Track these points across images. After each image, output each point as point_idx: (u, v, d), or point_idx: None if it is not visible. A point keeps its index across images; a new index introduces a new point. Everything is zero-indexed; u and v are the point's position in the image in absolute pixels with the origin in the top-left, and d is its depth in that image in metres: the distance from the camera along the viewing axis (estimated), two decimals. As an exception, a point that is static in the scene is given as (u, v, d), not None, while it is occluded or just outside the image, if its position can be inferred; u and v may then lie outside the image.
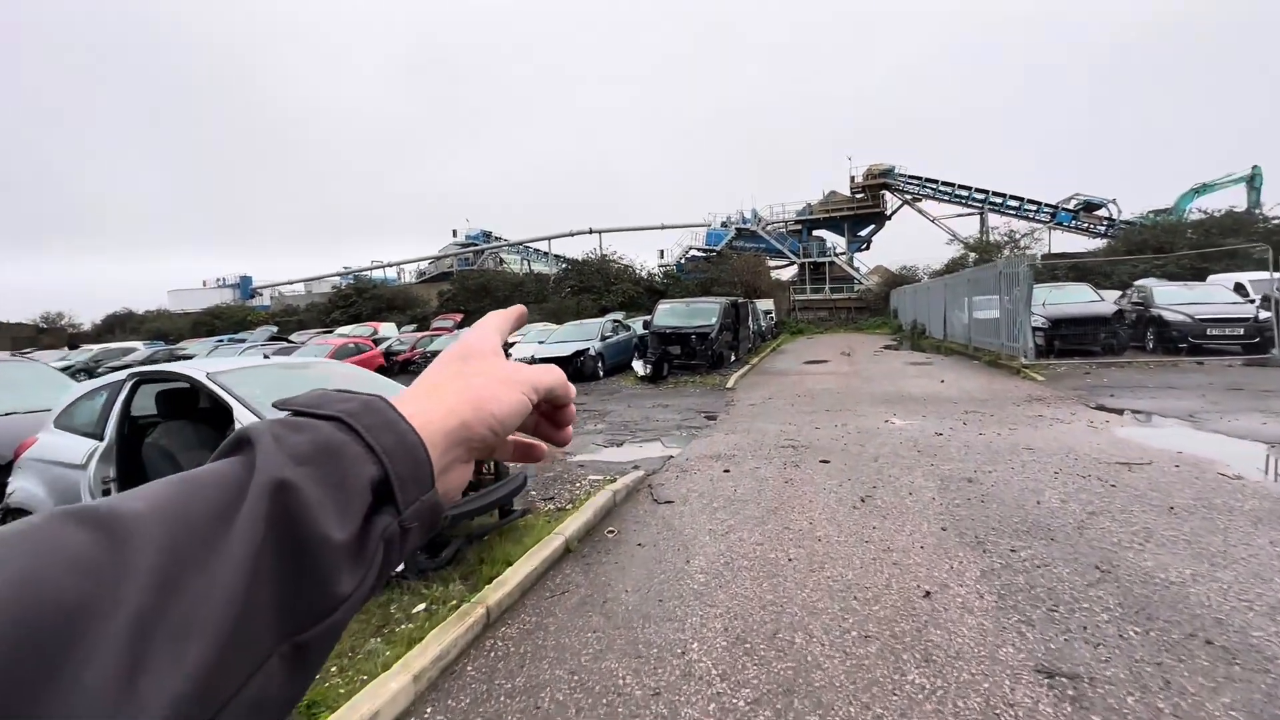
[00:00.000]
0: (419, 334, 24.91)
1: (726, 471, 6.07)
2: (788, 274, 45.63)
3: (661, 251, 46.87)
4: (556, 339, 16.34)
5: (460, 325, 30.61)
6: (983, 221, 38.43)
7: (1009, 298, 13.12)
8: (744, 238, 44.09)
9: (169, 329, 47.06)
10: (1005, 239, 34.08)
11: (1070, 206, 37.34)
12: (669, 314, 16.01)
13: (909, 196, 40.74)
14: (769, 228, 44.64)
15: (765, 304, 30.99)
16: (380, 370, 20.01)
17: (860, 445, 6.84)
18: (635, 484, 5.73)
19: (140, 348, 31.62)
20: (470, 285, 41.81)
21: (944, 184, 39.36)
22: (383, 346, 22.20)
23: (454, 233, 58.08)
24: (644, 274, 39.93)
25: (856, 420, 8.37)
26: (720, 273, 36.44)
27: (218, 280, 66.06)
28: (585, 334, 16.10)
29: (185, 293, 62.70)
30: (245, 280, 66.31)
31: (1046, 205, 37.79)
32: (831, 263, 42.67)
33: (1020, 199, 38.13)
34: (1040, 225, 36.82)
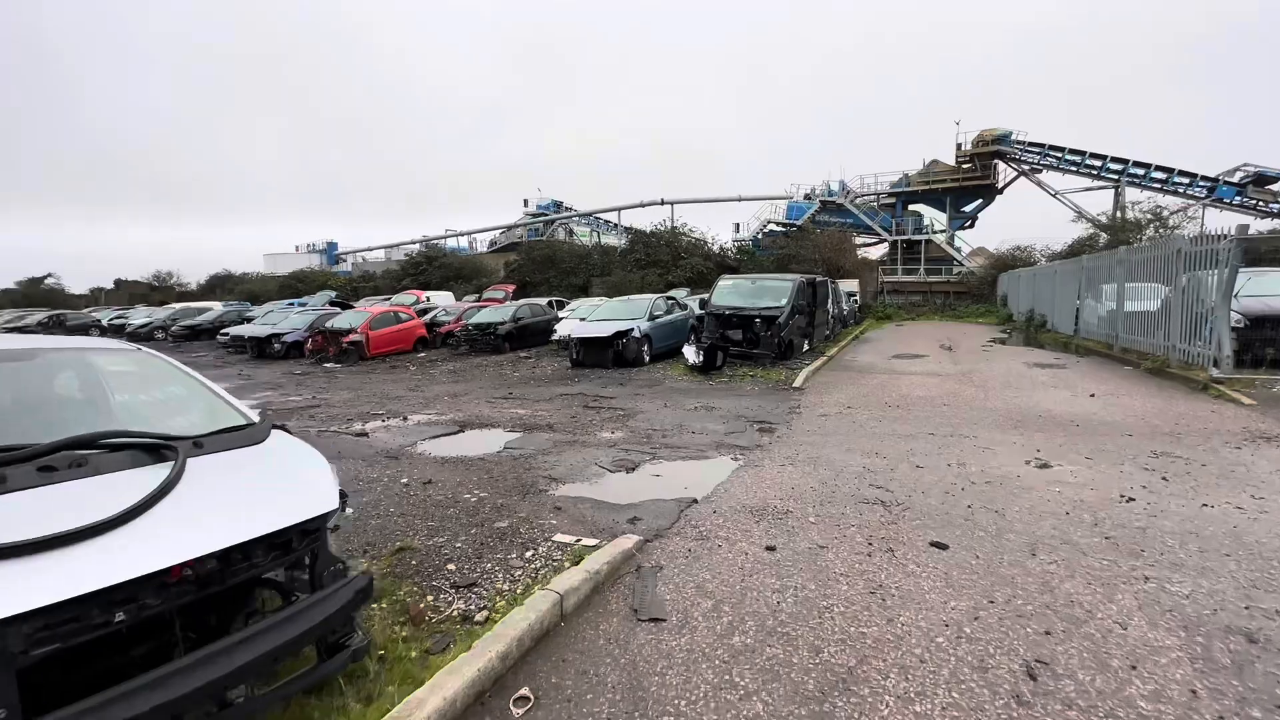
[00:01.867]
0: (466, 305, 23.60)
1: (770, 550, 3.75)
2: (876, 252, 41.36)
3: (737, 225, 43.82)
4: (600, 316, 14.26)
5: (515, 296, 29.23)
6: (1118, 196, 32.71)
7: (1187, 284, 9.74)
8: (829, 211, 40.15)
9: (259, 290, 48.97)
10: (1148, 216, 28.62)
11: (1235, 179, 31.00)
12: (731, 292, 13.51)
13: (1026, 167, 35.35)
14: (858, 201, 40.40)
15: (849, 285, 27.60)
16: (420, 341, 18.77)
17: (995, 511, 4.30)
18: (616, 564, 3.53)
19: (217, 307, 32.45)
20: (536, 256, 40.62)
21: (1071, 152, 33.77)
22: (428, 316, 20.98)
23: (525, 202, 57.19)
24: (716, 248, 37.12)
25: (978, 455, 5.75)
26: (800, 249, 33.08)
27: (308, 245, 68.99)
28: (632, 312, 13.91)
29: (278, 256, 65.72)
30: (331, 246, 68.87)
31: (1203, 178, 31.61)
32: (928, 241, 38.09)
33: (1169, 170, 32.11)
34: (1194, 201, 30.80)
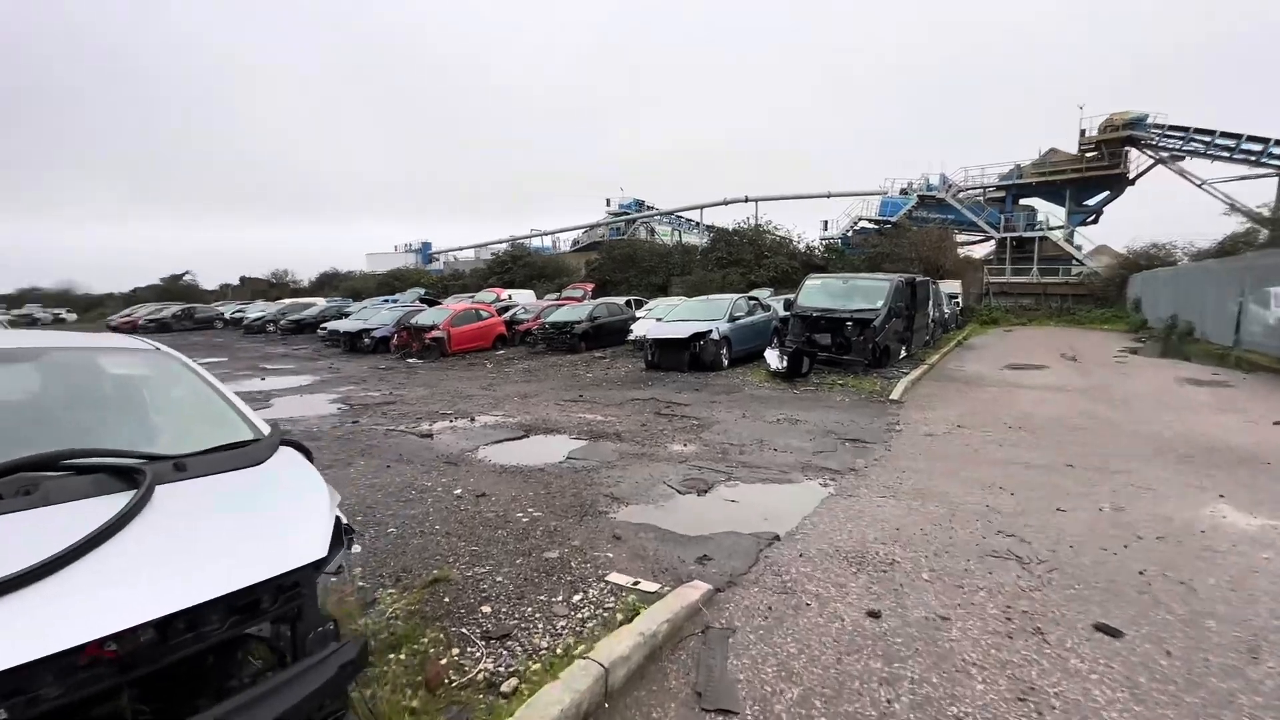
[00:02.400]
0: (544, 303, 23.68)
1: (874, 618, 2.98)
2: (980, 251, 38.10)
3: (825, 223, 41.74)
4: (677, 316, 13.63)
5: (595, 295, 29.16)
6: (1285, 185, 28.12)
7: None
8: (927, 207, 37.39)
9: (361, 287, 52.17)
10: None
11: None
12: (819, 292, 12.47)
13: (1165, 154, 31.20)
14: (960, 195, 37.34)
15: (950, 286, 25.38)
16: (499, 339, 18.91)
17: (1180, 583, 3.29)
18: (678, 623, 2.90)
19: (321, 303, 34.71)
20: (616, 255, 40.59)
21: (1223, 135, 29.39)
22: (508, 314, 21.18)
23: (607, 202, 57.46)
24: (802, 247, 35.50)
25: (1138, 497, 4.62)
26: (895, 247, 30.95)
27: (405, 245, 73.13)
28: (711, 312, 13.17)
29: (379, 255, 69.97)
30: (425, 246, 72.59)
31: (1399, 161, 26.56)
32: (1042, 238, 34.53)
33: (1352, 153, 27.23)
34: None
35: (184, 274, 65.74)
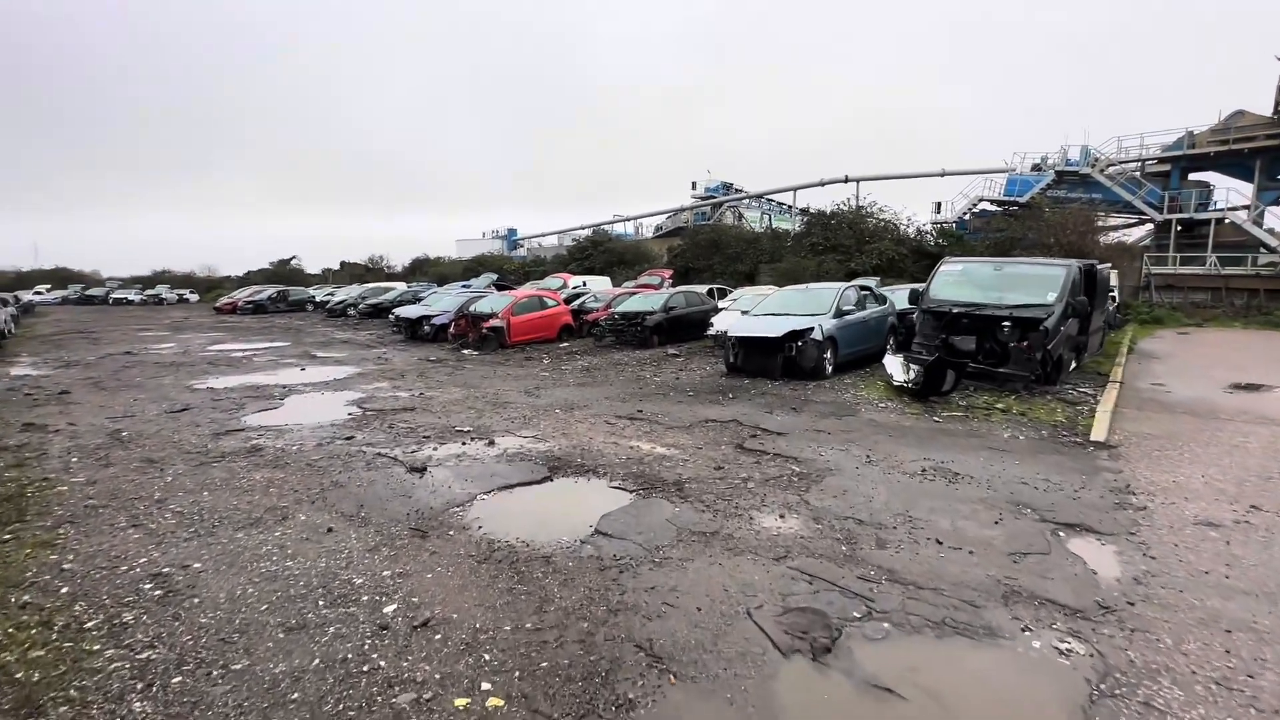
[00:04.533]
0: (617, 291, 21.64)
1: None
2: (1132, 235, 32.29)
3: (938, 204, 37.03)
4: (768, 309, 11.05)
5: (674, 282, 26.79)
6: None
7: None
8: (1067, 185, 31.96)
9: (448, 273, 52.78)
10: None
11: None
12: (960, 281, 9.49)
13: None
14: (1110, 170, 31.63)
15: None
16: (565, 329, 17.06)
17: None
18: None
19: (400, 288, 34.67)
20: (700, 240, 37.96)
21: None
22: (576, 303, 19.33)
23: (693, 185, 54.75)
24: (912, 231, 31.29)
25: None
26: (1027, 230, 26.37)
27: (492, 232, 74.17)
28: (811, 305, 10.50)
29: (467, 241, 71.28)
30: (510, 232, 73.26)
31: None
32: (1219, 220, 28.46)
33: None
34: None
35: (290, 259, 69.72)
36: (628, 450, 5.81)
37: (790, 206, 47.51)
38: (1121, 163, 31.57)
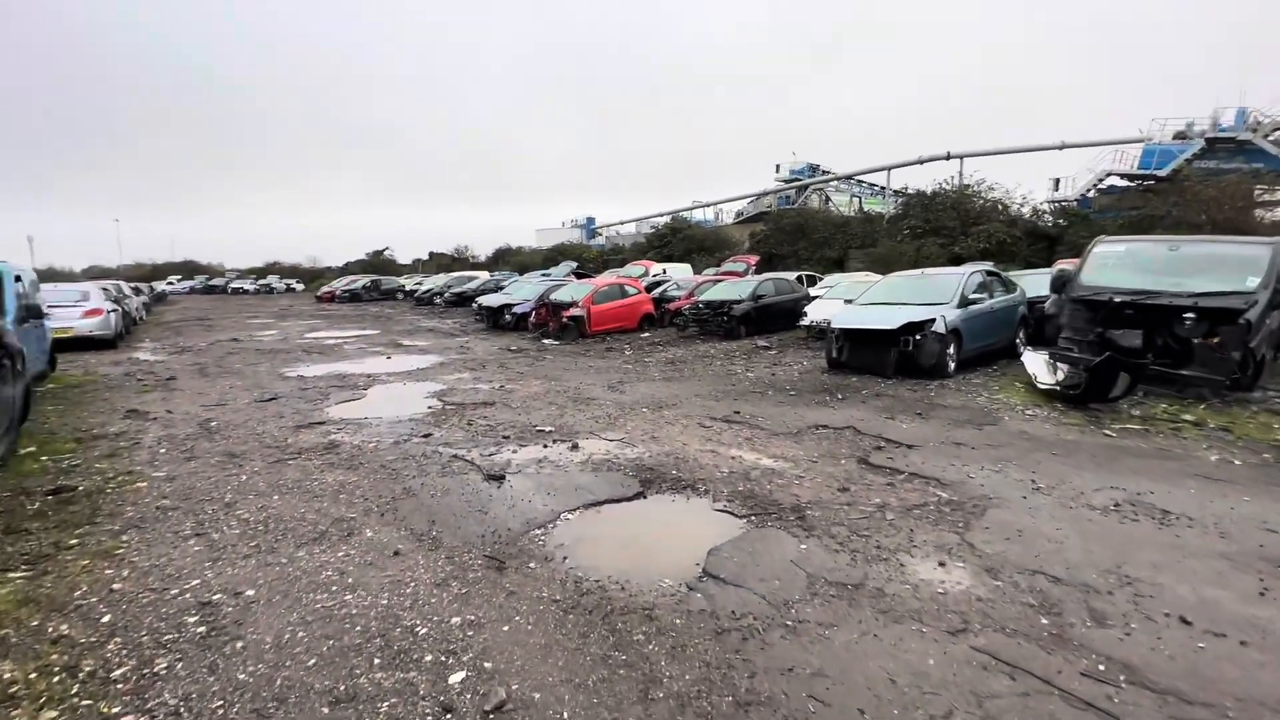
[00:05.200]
0: (700, 278, 20.72)
1: None
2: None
3: (1056, 181, 33.29)
4: (875, 298, 9.83)
5: (758, 269, 25.46)
6: None
7: None
8: (1218, 154, 27.81)
9: (529, 262, 53.73)
10: None
11: None
12: (1123, 263, 7.93)
13: None
14: (1276, 135, 27.15)
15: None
16: (646, 318, 16.41)
17: None
18: None
19: (484, 276, 35.28)
20: (784, 225, 36.11)
21: None
22: (658, 291, 18.63)
23: (777, 168, 52.51)
24: (1027, 211, 28.18)
25: None
26: (1171, 206, 23.07)
27: (572, 221, 74.93)
28: (930, 292, 9.21)
29: (547, 231, 72.33)
30: (589, 220, 73.71)
31: None
32: None
33: None
34: None
35: (384, 250, 73.38)
36: (729, 461, 5.02)
37: (883, 188, 44.48)
38: (1291, 125, 27.02)
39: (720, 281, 17.23)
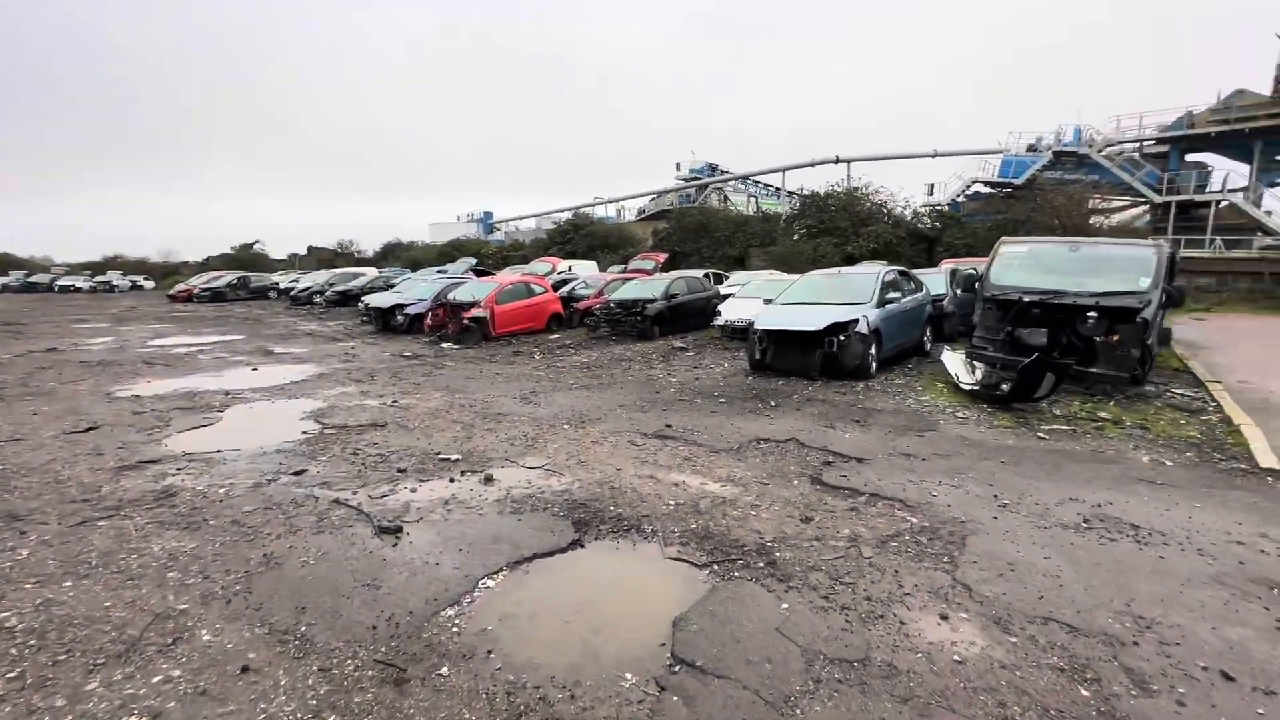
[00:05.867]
0: (609, 276, 20.07)
1: None
2: (1125, 217, 31.66)
3: (930, 186, 35.97)
4: (795, 298, 9.62)
5: (665, 267, 25.24)
6: None
7: None
8: (1062, 166, 31.12)
9: (422, 258, 50.37)
10: None
11: None
12: (1026, 264, 8.17)
13: None
14: (1108, 150, 30.87)
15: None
16: (554, 318, 15.48)
17: None
18: None
19: (370, 273, 32.42)
20: (687, 223, 36.35)
21: None
22: (565, 289, 17.74)
23: (677, 167, 52.99)
24: (909, 213, 30.19)
25: None
26: (1028, 212, 25.52)
27: (468, 215, 71.48)
28: (848, 292, 9.12)
29: (442, 225, 68.49)
30: (487, 215, 70.78)
31: None
32: (1218, 203, 27.93)
33: None
34: None
35: (254, 243, 66.24)
36: (671, 489, 4.37)
37: (779, 189, 46.17)
38: (1119, 143, 30.85)
39: (630, 280, 16.64)
